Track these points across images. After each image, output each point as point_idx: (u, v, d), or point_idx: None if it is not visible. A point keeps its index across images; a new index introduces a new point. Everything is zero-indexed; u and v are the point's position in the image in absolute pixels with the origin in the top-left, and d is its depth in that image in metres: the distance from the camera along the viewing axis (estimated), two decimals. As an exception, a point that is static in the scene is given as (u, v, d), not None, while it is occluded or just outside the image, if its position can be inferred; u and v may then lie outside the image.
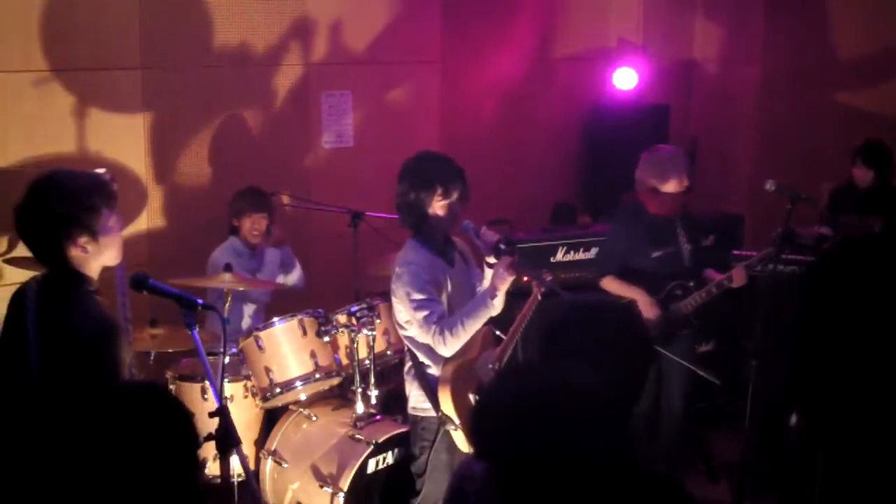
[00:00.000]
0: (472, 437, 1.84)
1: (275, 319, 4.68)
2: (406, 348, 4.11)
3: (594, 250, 5.89)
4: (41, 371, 2.80)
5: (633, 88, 7.15)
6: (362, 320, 4.56)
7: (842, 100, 7.01)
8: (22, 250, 4.92)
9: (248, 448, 4.65)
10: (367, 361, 4.59)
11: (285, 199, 5.83)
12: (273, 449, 4.69)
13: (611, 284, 4.95)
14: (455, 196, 3.93)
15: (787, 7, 7.13)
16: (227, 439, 2.94)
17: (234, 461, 3.07)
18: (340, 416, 4.69)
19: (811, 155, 6.92)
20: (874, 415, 3.67)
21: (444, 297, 3.98)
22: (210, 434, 2.97)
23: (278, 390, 4.60)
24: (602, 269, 5.02)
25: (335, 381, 4.79)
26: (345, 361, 4.76)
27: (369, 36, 6.27)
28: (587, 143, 7.37)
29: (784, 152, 7.03)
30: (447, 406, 3.92)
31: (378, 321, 4.60)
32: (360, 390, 4.58)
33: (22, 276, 4.53)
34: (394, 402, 5.03)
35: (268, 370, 4.59)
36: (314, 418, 4.69)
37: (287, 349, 4.62)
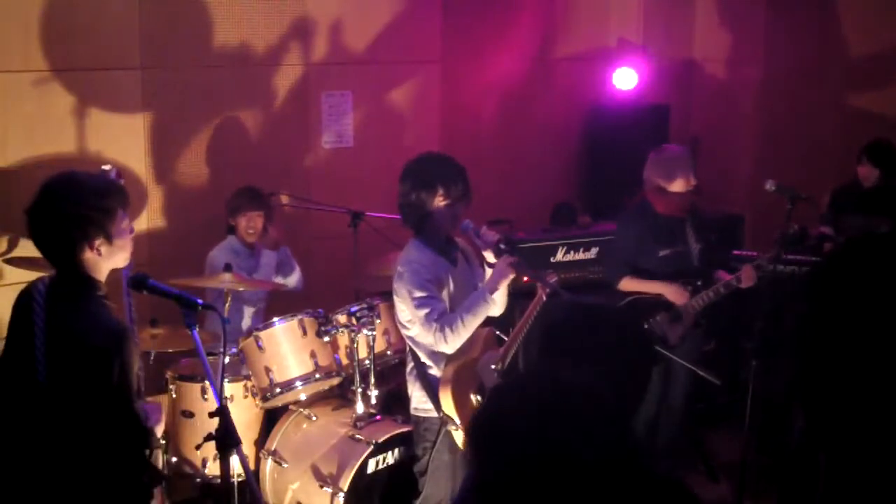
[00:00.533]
0: (472, 444, 1.83)
1: (275, 319, 4.68)
2: (408, 349, 4.11)
3: (594, 250, 5.89)
4: (50, 377, 2.79)
5: (633, 88, 7.14)
6: (362, 320, 4.56)
7: (842, 100, 7.01)
8: (22, 250, 4.95)
9: (248, 448, 4.64)
10: (367, 361, 4.59)
11: (284, 199, 5.82)
12: (273, 449, 4.69)
13: (630, 284, 4.94)
14: (456, 196, 3.93)
15: (788, 7, 7.12)
16: (227, 439, 2.94)
17: (234, 461, 3.06)
18: (340, 416, 4.69)
19: (811, 155, 6.92)
20: (878, 415, 3.66)
21: (446, 296, 3.98)
22: (210, 434, 2.97)
23: (278, 390, 4.60)
24: (617, 273, 5.01)
25: (335, 381, 4.79)
26: (345, 361, 4.76)
27: (369, 36, 6.27)
28: (587, 143, 7.37)
29: (784, 152, 7.02)
30: (448, 406, 3.92)
31: (378, 321, 4.60)
32: (360, 390, 4.58)
33: (21, 275, 4.54)
34: (394, 402, 5.03)
35: (268, 370, 4.59)
36: (314, 418, 4.69)
37: (287, 349, 4.62)
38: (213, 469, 4.61)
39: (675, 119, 7.23)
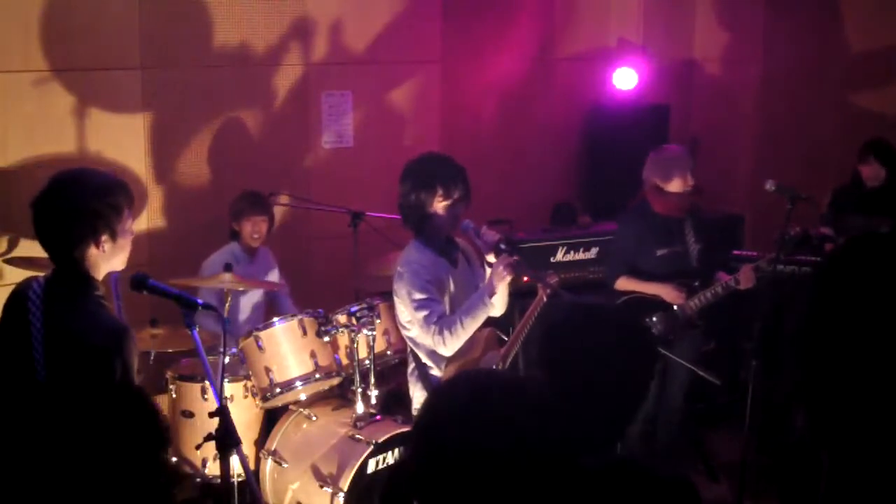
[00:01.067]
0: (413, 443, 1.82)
1: (275, 319, 4.68)
2: (409, 349, 4.11)
3: (594, 250, 5.89)
4: (50, 377, 2.78)
5: (633, 88, 7.14)
6: (362, 320, 4.56)
7: (842, 99, 7.01)
8: (22, 250, 4.95)
9: (248, 448, 4.64)
10: (367, 361, 4.59)
11: (284, 200, 5.82)
12: (273, 449, 4.69)
13: (627, 284, 4.95)
14: (456, 197, 3.94)
15: (788, 7, 7.12)
16: (227, 439, 2.94)
17: (234, 461, 3.06)
18: (340, 416, 4.69)
19: (811, 155, 6.92)
20: (880, 415, 3.66)
21: (446, 298, 3.98)
22: (210, 434, 2.97)
23: (278, 390, 4.60)
24: (614, 272, 5.02)
25: (335, 381, 4.79)
26: (345, 361, 4.76)
27: (369, 36, 6.27)
28: (587, 143, 7.37)
29: (784, 152, 7.03)
30: (448, 406, 3.91)
31: (378, 321, 4.60)
32: (360, 390, 4.58)
33: (21, 276, 4.52)
34: (394, 402, 5.03)
35: (268, 370, 4.59)
36: (314, 418, 4.69)
37: (287, 349, 4.62)
38: (213, 469, 4.61)
39: (675, 119, 7.23)
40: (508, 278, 3.89)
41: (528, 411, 1.74)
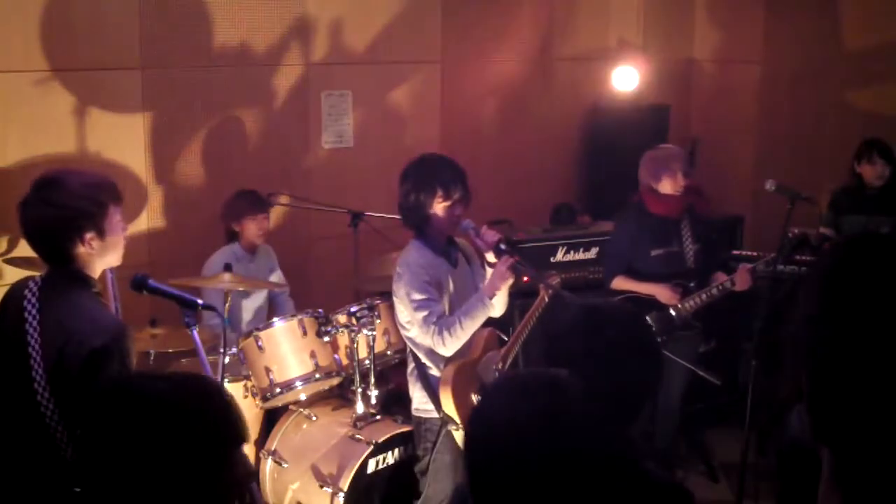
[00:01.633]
0: (471, 451, 1.81)
1: (275, 319, 4.68)
2: (408, 349, 4.11)
3: (594, 250, 5.90)
4: (49, 377, 2.78)
5: (633, 88, 7.14)
6: (362, 320, 4.56)
7: (843, 99, 7.00)
8: (22, 250, 4.94)
9: (247, 448, 4.64)
10: (367, 361, 4.59)
11: (284, 200, 5.82)
12: (273, 449, 4.69)
13: (622, 284, 4.96)
14: (456, 197, 3.94)
15: (788, 6, 7.12)
16: (227, 439, 2.93)
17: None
18: (340, 416, 4.69)
19: (811, 155, 6.91)
20: (881, 415, 3.66)
21: (446, 298, 3.98)
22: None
23: (278, 390, 4.60)
24: (610, 272, 5.02)
25: (335, 381, 4.79)
26: (345, 361, 4.76)
27: (369, 36, 6.27)
28: (587, 144, 7.37)
29: (784, 152, 7.02)
30: (448, 406, 3.92)
31: (378, 321, 4.60)
32: (360, 390, 4.58)
33: (21, 276, 4.53)
34: (394, 402, 5.03)
35: (268, 370, 4.59)
36: (314, 418, 4.69)
37: (287, 349, 4.62)
38: (213, 469, 4.60)
39: (675, 119, 7.23)
40: (510, 280, 3.89)
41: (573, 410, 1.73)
